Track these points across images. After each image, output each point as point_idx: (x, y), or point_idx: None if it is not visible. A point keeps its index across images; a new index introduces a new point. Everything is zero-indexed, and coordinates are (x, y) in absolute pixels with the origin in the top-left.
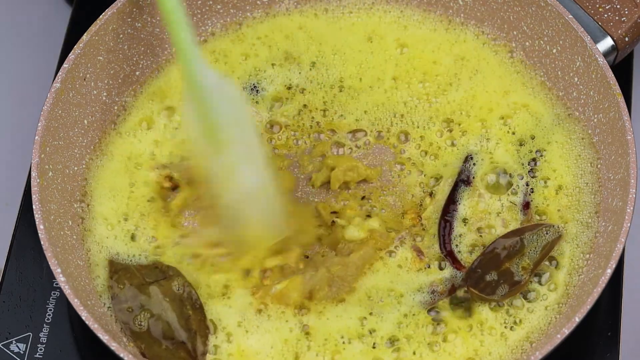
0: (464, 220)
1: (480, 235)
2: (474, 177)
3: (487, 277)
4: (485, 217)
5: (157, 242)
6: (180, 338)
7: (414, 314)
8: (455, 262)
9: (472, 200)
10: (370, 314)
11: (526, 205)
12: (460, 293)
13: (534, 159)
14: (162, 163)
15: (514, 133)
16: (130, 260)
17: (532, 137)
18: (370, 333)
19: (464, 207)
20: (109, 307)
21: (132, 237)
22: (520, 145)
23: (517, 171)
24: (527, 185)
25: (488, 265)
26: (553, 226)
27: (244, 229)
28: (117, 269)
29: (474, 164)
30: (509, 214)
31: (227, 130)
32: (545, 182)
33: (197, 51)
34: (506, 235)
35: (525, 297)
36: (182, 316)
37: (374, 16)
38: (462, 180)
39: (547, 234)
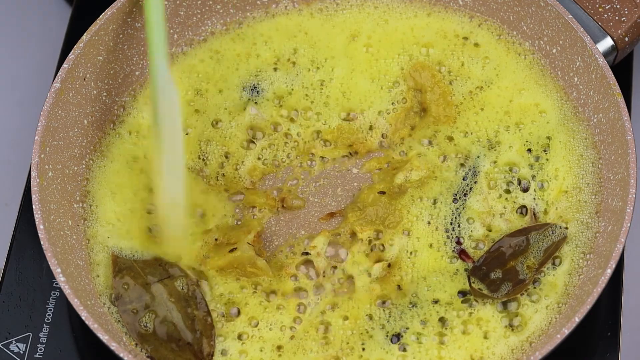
0: (470, 219)
1: (486, 233)
2: (478, 176)
3: (491, 275)
4: (489, 216)
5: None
6: (186, 339)
7: (421, 312)
8: (462, 254)
9: (476, 198)
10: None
11: (529, 205)
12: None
13: (537, 159)
14: None
15: (521, 132)
16: (133, 256)
17: (539, 137)
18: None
19: (468, 206)
20: (108, 307)
21: (135, 236)
22: (526, 144)
23: (521, 170)
24: (531, 185)
25: (493, 263)
26: (558, 226)
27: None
28: (121, 268)
29: (473, 166)
30: (512, 213)
31: (162, 129)
32: (548, 182)
33: (165, 51)
34: (512, 234)
35: (525, 297)
36: (188, 317)
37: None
38: (466, 177)
39: (552, 233)
